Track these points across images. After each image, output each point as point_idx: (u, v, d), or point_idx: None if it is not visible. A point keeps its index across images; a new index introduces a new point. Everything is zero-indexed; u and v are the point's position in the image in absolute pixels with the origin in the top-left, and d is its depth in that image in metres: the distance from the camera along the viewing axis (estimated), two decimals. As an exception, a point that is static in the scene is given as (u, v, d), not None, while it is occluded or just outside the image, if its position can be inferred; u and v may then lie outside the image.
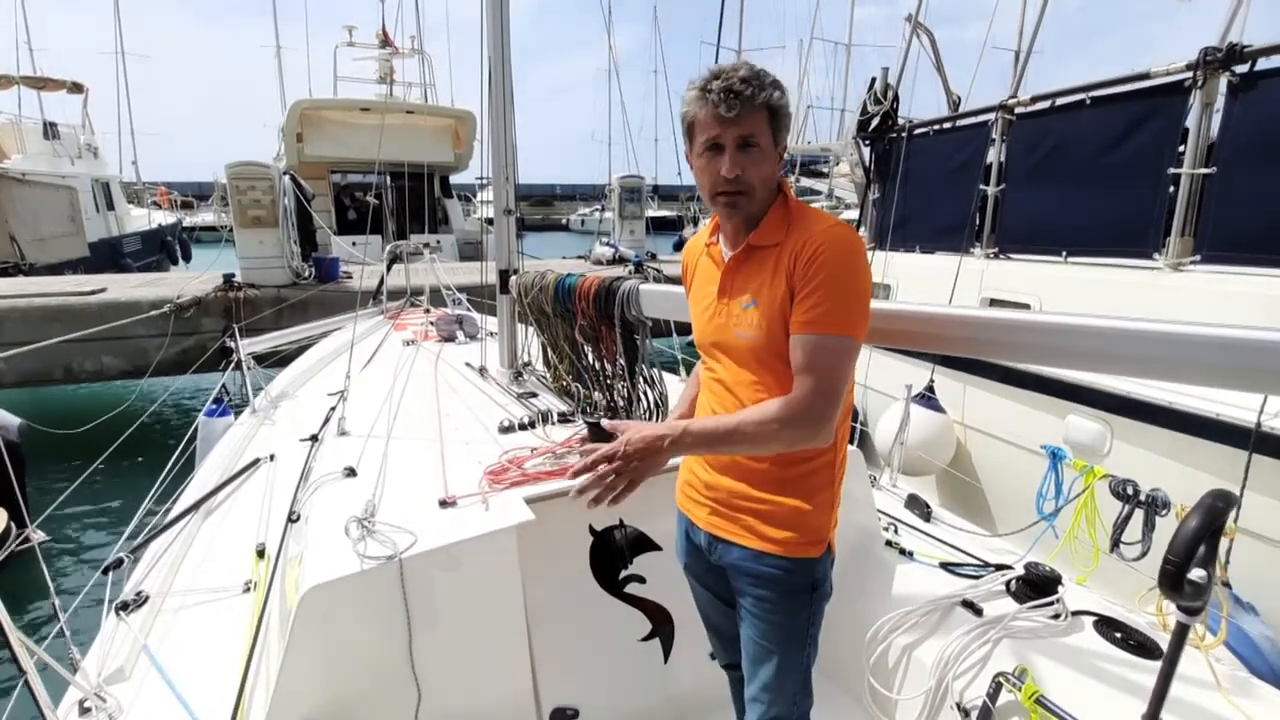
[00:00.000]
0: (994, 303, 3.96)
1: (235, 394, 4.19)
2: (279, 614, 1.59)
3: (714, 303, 1.34)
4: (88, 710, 1.49)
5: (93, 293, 7.47)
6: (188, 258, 19.39)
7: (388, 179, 12.55)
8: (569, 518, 1.85)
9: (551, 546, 1.80)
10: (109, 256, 14.42)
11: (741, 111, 1.18)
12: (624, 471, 1.18)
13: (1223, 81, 3.07)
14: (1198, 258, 3.19)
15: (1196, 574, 1.04)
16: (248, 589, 1.88)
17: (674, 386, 2.41)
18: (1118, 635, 1.68)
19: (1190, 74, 3.14)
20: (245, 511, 2.29)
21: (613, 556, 1.91)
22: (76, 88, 17.14)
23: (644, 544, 1.92)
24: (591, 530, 1.90)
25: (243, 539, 2.09)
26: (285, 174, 8.39)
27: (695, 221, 23.44)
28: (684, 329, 2.43)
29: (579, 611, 1.84)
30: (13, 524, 3.81)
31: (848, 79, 27.36)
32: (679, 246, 20.10)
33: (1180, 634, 1.09)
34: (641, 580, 1.92)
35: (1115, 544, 2.02)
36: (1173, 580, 1.04)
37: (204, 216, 26.08)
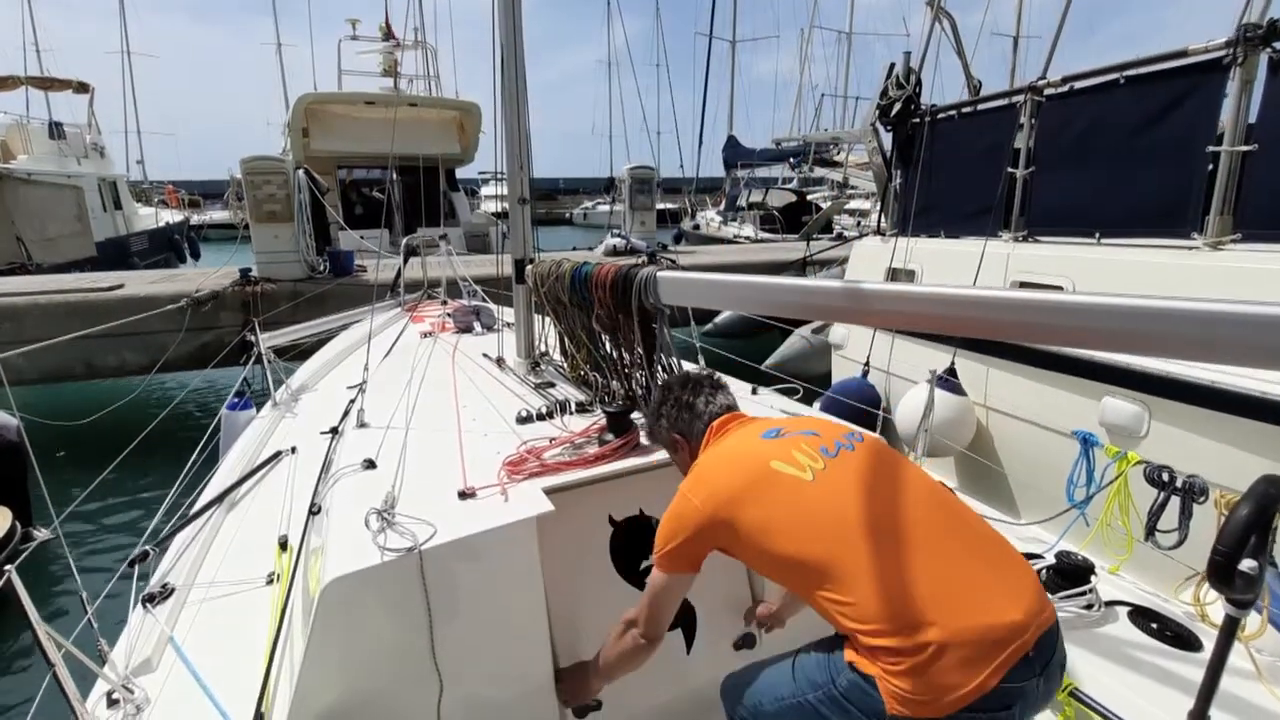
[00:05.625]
0: (1024, 285, 3.88)
1: (257, 387, 4.22)
2: (302, 606, 1.59)
3: None
4: (115, 702, 1.50)
5: (111, 289, 7.56)
6: (196, 256, 19.47)
7: (394, 173, 12.55)
8: (588, 508, 1.84)
9: (571, 537, 1.78)
10: (116, 255, 14.46)
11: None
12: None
13: (1263, 58, 2.98)
14: (1238, 236, 3.10)
15: (1247, 565, 1.00)
16: (271, 581, 1.88)
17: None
18: (1154, 626, 1.64)
19: (1229, 51, 3.05)
20: (268, 504, 2.30)
21: (633, 547, 1.89)
22: (82, 87, 17.12)
23: None
24: (611, 521, 1.88)
25: (265, 531, 2.09)
26: (299, 169, 8.42)
27: (693, 214, 23.42)
28: (702, 317, 2.39)
29: (600, 602, 1.82)
30: (18, 523, 3.85)
31: (849, 67, 27.06)
32: (679, 239, 20.02)
33: (1230, 628, 1.05)
34: None
35: (1150, 532, 1.96)
36: (1223, 572, 1.00)
37: (214, 214, 26.18)
